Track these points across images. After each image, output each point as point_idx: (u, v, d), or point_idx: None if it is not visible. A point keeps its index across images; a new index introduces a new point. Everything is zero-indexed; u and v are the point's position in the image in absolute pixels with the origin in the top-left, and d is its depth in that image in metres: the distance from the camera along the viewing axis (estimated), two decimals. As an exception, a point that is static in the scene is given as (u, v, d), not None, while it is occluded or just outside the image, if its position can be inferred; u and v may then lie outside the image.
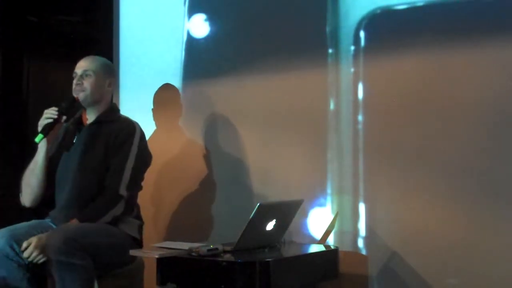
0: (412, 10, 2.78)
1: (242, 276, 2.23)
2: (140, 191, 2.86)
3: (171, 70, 3.35)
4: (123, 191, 2.66)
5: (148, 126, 3.24)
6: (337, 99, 2.94)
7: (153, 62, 3.51)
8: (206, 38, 3.36)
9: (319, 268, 2.57)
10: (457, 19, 2.68)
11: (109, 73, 2.85)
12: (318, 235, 2.93)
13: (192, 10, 3.41)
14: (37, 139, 2.61)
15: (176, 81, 3.40)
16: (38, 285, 2.57)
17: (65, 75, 2.93)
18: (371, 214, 2.82)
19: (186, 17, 3.43)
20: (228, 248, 2.39)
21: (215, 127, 3.27)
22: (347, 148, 2.89)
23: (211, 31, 3.34)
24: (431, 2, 2.77)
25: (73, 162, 2.71)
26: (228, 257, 2.33)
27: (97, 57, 2.85)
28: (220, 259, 2.30)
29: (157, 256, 2.35)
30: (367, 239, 2.83)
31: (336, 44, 2.95)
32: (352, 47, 2.91)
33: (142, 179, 2.83)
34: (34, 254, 2.47)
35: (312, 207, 2.95)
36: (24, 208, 2.77)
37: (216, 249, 2.35)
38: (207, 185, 3.25)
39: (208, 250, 2.33)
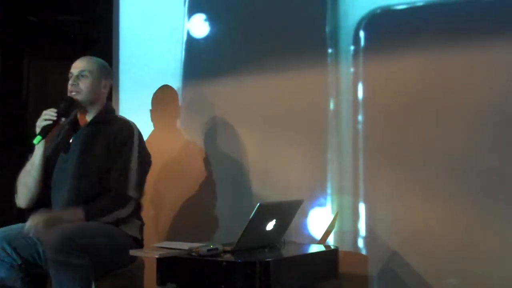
0: (412, 10, 2.78)
1: (242, 276, 2.23)
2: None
3: (171, 70, 3.35)
4: (132, 192, 2.66)
5: (148, 126, 3.24)
6: (337, 99, 2.94)
7: (153, 62, 3.51)
8: (206, 38, 3.36)
9: (319, 268, 2.56)
10: (457, 19, 2.68)
11: (105, 74, 2.82)
12: (318, 235, 2.93)
13: (192, 10, 3.41)
14: (35, 141, 2.59)
15: (176, 81, 3.40)
16: (33, 285, 2.55)
17: (65, 75, 2.93)
18: (371, 214, 2.82)
19: (186, 17, 3.43)
20: (228, 248, 2.39)
21: (215, 127, 3.27)
22: (347, 148, 2.89)
23: (211, 31, 3.34)
24: (431, 2, 2.77)
25: (71, 163, 2.69)
26: (228, 257, 2.33)
27: (93, 58, 2.82)
28: (220, 259, 2.30)
29: (157, 256, 2.35)
30: (367, 239, 2.83)
31: (336, 44, 2.95)
32: (352, 47, 2.91)
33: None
34: (40, 224, 2.46)
35: (312, 207, 2.95)
36: (21, 210, 2.75)
37: (216, 249, 2.35)
38: (207, 185, 3.25)
39: (208, 250, 2.33)
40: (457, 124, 2.66)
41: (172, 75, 3.40)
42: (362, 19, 2.89)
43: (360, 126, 2.87)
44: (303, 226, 2.93)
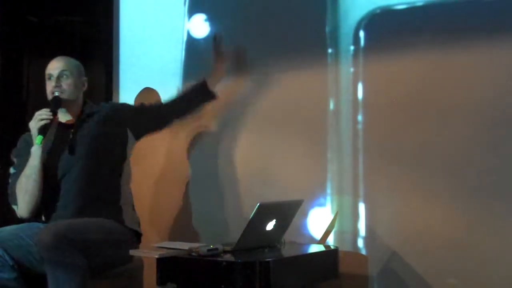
0: (412, 10, 2.78)
1: (242, 276, 2.23)
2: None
3: (171, 70, 3.35)
4: None
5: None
6: (337, 99, 2.94)
7: (153, 62, 3.51)
8: (206, 38, 3.35)
9: (319, 268, 2.56)
10: (457, 19, 2.68)
11: (82, 72, 2.86)
12: (318, 235, 2.93)
13: (192, 10, 3.41)
14: (37, 141, 2.57)
15: (176, 81, 3.40)
16: (26, 284, 2.52)
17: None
18: (371, 214, 2.82)
19: (186, 17, 3.43)
20: (228, 248, 2.39)
21: (214, 127, 3.27)
22: (347, 148, 2.89)
23: (211, 31, 3.34)
24: (431, 2, 2.77)
25: (77, 158, 2.69)
26: (228, 257, 2.33)
27: (68, 57, 2.84)
28: (220, 259, 2.29)
29: (157, 256, 2.34)
30: (367, 239, 2.83)
31: (335, 44, 2.95)
32: (352, 47, 2.91)
33: None
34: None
35: (312, 207, 2.95)
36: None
37: (216, 249, 2.35)
38: (207, 185, 3.25)
39: (208, 250, 2.33)
40: (457, 124, 2.66)
41: (172, 75, 3.40)
42: (362, 19, 2.89)
43: (360, 126, 2.87)
44: (303, 226, 2.93)
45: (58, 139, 2.75)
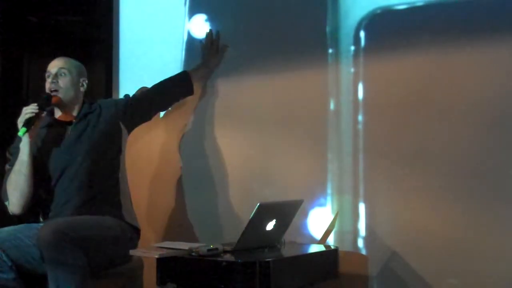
0: (412, 10, 2.78)
1: (242, 276, 2.23)
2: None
3: (171, 70, 3.34)
4: None
5: (148, 127, 3.23)
6: (337, 99, 2.94)
7: (153, 62, 3.50)
8: (206, 38, 3.35)
9: (319, 268, 2.57)
10: (457, 19, 2.68)
11: (82, 72, 2.88)
12: (318, 235, 2.93)
13: (193, 10, 3.41)
14: (20, 133, 2.57)
15: (176, 81, 3.40)
16: (25, 285, 2.52)
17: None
18: (371, 214, 2.82)
19: (187, 17, 3.43)
20: (228, 248, 2.39)
21: (214, 127, 3.27)
22: (347, 148, 2.89)
23: (211, 31, 3.33)
24: (431, 2, 2.77)
25: (76, 156, 2.70)
26: (228, 257, 2.33)
27: (69, 58, 2.87)
28: (220, 259, 2.30)
29: (157, 256, 2.35)
30: (367, 239, 2.83)
31: (336, 44, 2.95)
32: (352, 47, 2.91)
33: None
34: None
35: (312, 207, 2.95)
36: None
37: (216, 249, 2.35)
38: (206, 185, 3.25)
39: (208, 250, 2.33)
40: (457, 124, 2.66)
41: (172, 75, 3.40)
42: (363, 19, 2.88)
43: (360, 126, 2.87)
44: (303, 226, 2.93)
45: (56, 137, 2.76)
